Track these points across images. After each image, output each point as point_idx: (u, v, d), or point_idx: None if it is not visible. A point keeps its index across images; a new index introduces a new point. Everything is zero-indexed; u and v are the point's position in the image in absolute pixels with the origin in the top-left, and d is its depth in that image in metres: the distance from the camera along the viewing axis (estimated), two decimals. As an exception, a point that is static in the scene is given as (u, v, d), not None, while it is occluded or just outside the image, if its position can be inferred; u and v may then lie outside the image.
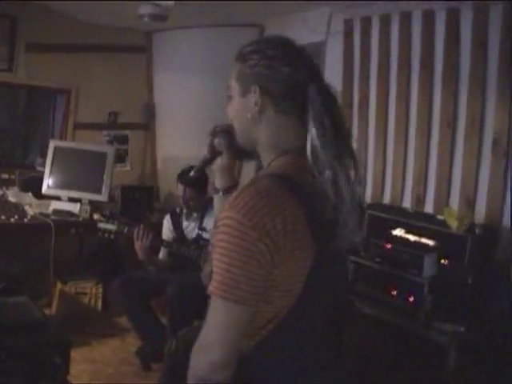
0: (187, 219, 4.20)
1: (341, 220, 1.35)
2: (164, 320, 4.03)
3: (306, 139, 1.37)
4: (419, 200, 3.89)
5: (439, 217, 3.44)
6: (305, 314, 1.36)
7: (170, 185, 5.14)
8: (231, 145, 1.62)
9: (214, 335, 1.29)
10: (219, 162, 1.66)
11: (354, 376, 1.65)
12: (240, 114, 1.46)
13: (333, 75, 4.67)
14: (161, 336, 3.75)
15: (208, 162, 1.64)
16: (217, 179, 1.77)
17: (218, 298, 1.27)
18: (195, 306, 3.57)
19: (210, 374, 1.29)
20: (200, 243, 4.03)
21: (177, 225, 4.23)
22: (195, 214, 4.16)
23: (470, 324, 3.01)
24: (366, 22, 4.44)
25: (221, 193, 1.78)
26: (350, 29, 4.58)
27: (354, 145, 1.47)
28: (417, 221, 3.42)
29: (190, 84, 5.84)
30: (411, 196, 3.97)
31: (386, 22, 4.26)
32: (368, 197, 4.34)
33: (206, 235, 4.07)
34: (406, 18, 4.09)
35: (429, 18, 3.91)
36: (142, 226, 3.94)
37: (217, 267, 1.28)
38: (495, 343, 3.03)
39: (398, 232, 3.42)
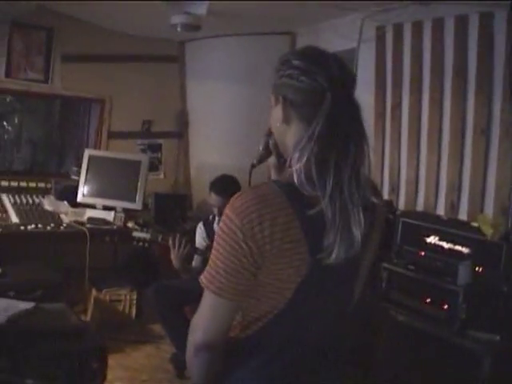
0: (220, 227, 4.22)
1: (340, 233, 1.32)
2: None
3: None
4: (453, 207, 3.85)
5: (473, 224, 3.39)
6: (294, 319, 1.40)
7: (202, 193, 5.17)
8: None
9: (199, 320, 1.41)
10: (272, 160, 1.69)
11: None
12: (273, 123, 1.49)
13: (365, 83, 4.66)
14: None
15: (263, 158, 1.70)
16: (272, 175, 1.78)
17: (203, 286, 1.37)
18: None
19: (193, 353, 1.42)
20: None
21: (210, 232, 4.25)
22: (228, 222, 4.17)
23: (505, 333, 2.98)
24: (398, 29, 4.43)
25: None
26: (382, 35, 4.57)
27: (373, 156, 1.46)
28: (451, 228, 3.38)
29: (222, 92, 5.88)
30: (445, 203, 3.94)
31: (418, 28, 4.25)
32: (401, 204, 4.32)
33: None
34: (438, 24, 4.07)
35: (461, 23, 3.88)
36: (178, 235, 3.96)
37: (210, 259, 1.38)
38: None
39: (432, 239, 3.39)
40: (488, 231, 3.17)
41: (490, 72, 3.68)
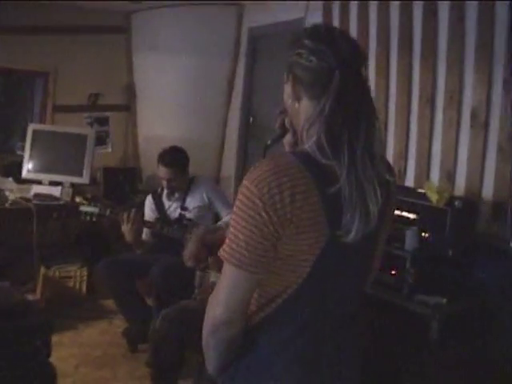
0: (169, 199, 4.20)
1: (358, 210, 1.32)
2: (149, 301, 4.05)
3: None
4: (400, 174, 3.90)
5: (420, 190, 3.45)
6: (313, 294, 1.38)
7: (152, 166, 5.13)
8: None
9: (220, 295, 1.36)
10: (287, 138, 1.64)
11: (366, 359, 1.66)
12: (286, 100, 1.47)
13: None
14: (147, 317, 3.76)
15: (279, 137, 1.64)
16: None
17: (224, 260, 1.34)
18: (180, 286, 3.59)
19: (211, 331, 1.39)
20: (183, 223, 4.03)
21: (159, 205, 4.22)
22: (177, 194, 4.15)
23: (451, 296, 3.05)
24: (345, 7, 4.44)
25: None
26: (328, 6, 4.57)
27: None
28: (398, 195, 3.41)
29: (170, 64, 5.81)
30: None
31: (364, 5, 4.26)
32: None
33: (188, 215, 4.07)
34: (384, 4, 4.09)
35: (406, 6, 3.91)
36: (130, 209, 3.92)
37: (229, 232, 1.34)
38: (476, 315, 3.07)
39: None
40: (434, 197, 3.22)
41: (435, 42, 3.71)
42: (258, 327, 1.41)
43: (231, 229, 1.34)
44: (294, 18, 4.85)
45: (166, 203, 4.22)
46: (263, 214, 1.28)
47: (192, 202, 4.13)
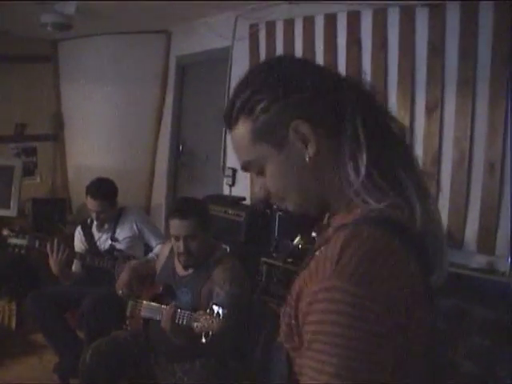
0: (99, 230, 4.14)
1: (442, 250, 1.06)
2: (81, 334, 3.97)
3: None
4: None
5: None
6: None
7: (81, 196, 5.05)
8: None
9: None
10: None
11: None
12: (289, 174, 1.07)
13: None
14: (78, 350, 3.68)
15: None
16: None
17: None
18: (111, 318, 3.54)
19: None
20: (113, 254, 3.98)
21: (88, 236, 4.16)
22: (107, 225, 4.10)
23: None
24: (271, 26, 4.53)
25: None
26: (255, 33, 4.66)
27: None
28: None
29: (98, 93, 5.78)
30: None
31: (289, 25, 4.36)
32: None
33: (118, 246, 4.03)
34: (309, 22, 4.20)
35: (331, 21, 4.04)
36: (56, 240, 3.85)
37: (329, 365, 0.87)
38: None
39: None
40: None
41: (359, 67, 3.83)
42: None
43: (332, 359, 0.87)
44: (222, 47, 4.92)
45: (96, 234, 4.16)
46: (387, 321, 0.89)
47: (122, 232, 4.09)
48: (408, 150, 1.08)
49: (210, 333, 2.48)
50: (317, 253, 1.01)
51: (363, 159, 1.00)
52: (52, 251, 3.77)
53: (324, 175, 1.05)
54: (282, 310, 1.01)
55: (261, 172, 1.11)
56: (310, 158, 1.03)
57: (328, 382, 0.86)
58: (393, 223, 0.98)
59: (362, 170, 1.00)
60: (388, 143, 1.03)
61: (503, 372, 2.82)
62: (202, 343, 2.50)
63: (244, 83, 1.08)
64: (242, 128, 1.07)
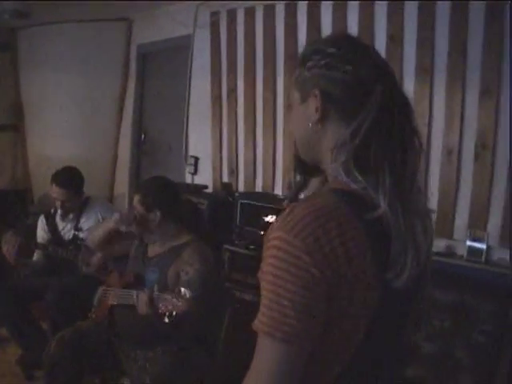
0: (63, 220, 4.11)
1: (408, 247, 1.09)
2: (44, 325, 3.94)
3: None
4: (290, 186, 3.98)
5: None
6: (370, 360, 1.15)
7: (43, 186, 5.01)
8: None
9: (262, 380, 1.04)
10: (313, 184, 1.40)
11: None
12: (299, 124, 1.22)
13: (200, 68, 4.74)
14: (42, 342, 3.66)
15: (301, 188, 1.39)
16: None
17: (264, 335, 1.03)
18: (75, 308, 3.53)
19: None
20: (77, 243, 3.96)
21: (52, 226, 4.12)
22: (71, 215, 4.08)
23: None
24: (232, 14, 4.53)
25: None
26: (216, 21, 4.65)
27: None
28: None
29: (58, 82, 5.72)
30: (282, 183, 4.10)
31: (251, 13, 4.37)
32: (241, 186, 4.44)
33: (82, 235, 4.01)
34: (270, 10, 4.21)
35: (291, 9, 4.05)
36: (10, 232, 3.82)
37: (264, 297, 1.04)
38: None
39: (270, 218, 3.52)
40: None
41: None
42: None
43: (267, 294, 1.03)
44: (183, 35, 4.91)
45: (60, 224, 4.13)
46: (313, 270, 1.00)
47: (86, 222, 4.06)
48: (410, 151, 1.14)
49: (174, 313, 2.47)
50: None
51: (349, 150, 1.10)
52: (5, 242, 3.75)
53: (320, 143, 1.19)
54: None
55: (289, 109, 1.29)
56: (312, 123, 1.18)
57: (264, 309, 1.03)
58: (351, 195, 1.09)
59: (342, 157, 1.11)
60: (388, 145, 1.11)
61: (461, 353, 2.90)
62: (165, 323, 2.49)
63: (313, 43, 1.24)
64: (295, 72, 1.24)
